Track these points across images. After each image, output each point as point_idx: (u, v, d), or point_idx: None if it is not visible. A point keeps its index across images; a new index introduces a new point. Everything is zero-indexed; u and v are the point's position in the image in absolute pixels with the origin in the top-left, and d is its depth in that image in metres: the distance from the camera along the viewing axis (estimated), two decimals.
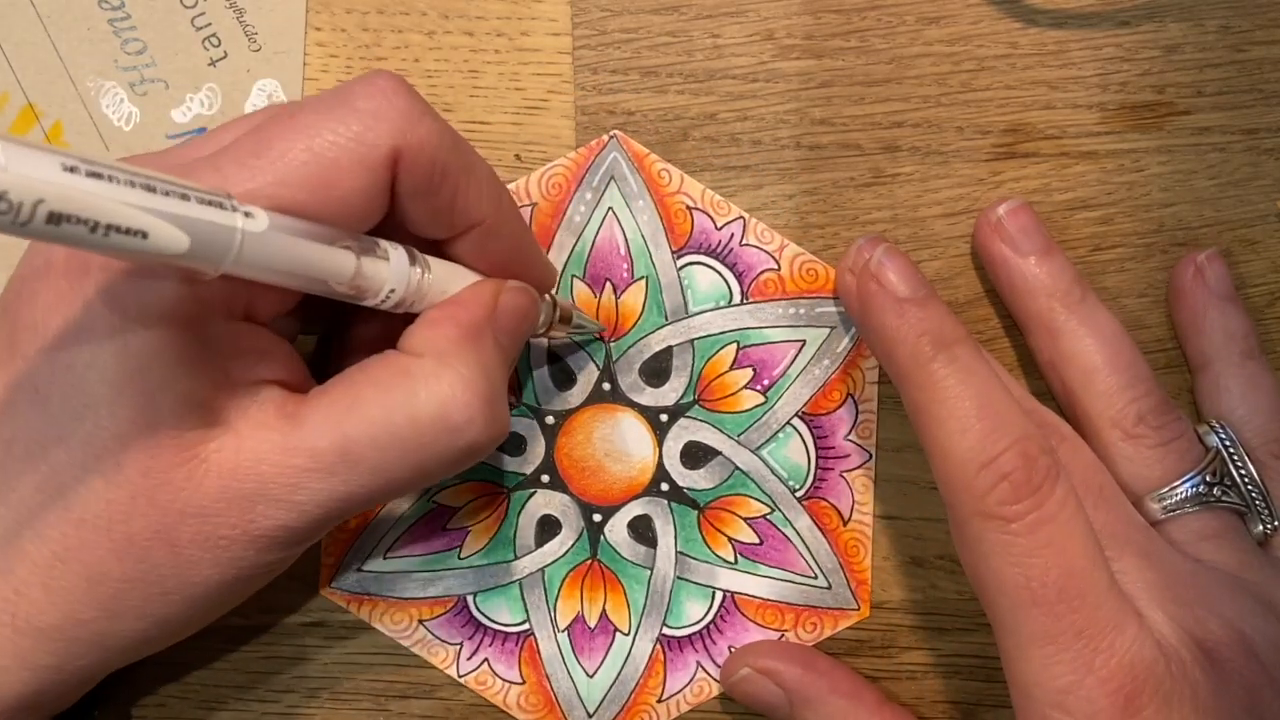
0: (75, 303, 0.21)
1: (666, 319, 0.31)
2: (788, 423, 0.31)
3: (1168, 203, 0.31)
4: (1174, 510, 0.28)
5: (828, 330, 0.31)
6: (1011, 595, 0.24)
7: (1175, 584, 0.26)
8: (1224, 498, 0.28)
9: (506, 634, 0.31)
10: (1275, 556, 0.29)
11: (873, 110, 0.31)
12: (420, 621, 0.31)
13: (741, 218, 0.31)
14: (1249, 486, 0.28)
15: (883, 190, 0.31)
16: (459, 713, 0.31)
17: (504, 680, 0.31)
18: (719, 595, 0.31)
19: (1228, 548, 0.28)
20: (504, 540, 0.31)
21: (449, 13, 0.31)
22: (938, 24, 0.31)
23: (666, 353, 0.31)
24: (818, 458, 0.31)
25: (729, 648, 0.31)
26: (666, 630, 0.31)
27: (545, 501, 0.31)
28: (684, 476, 0.31)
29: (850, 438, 0.31)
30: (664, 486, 0.31)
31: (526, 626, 0.31)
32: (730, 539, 0.31)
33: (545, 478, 0.31)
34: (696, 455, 0.31)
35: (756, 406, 0.31)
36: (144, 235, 0.17)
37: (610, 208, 0.31)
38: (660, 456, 0.31)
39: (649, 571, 0.31)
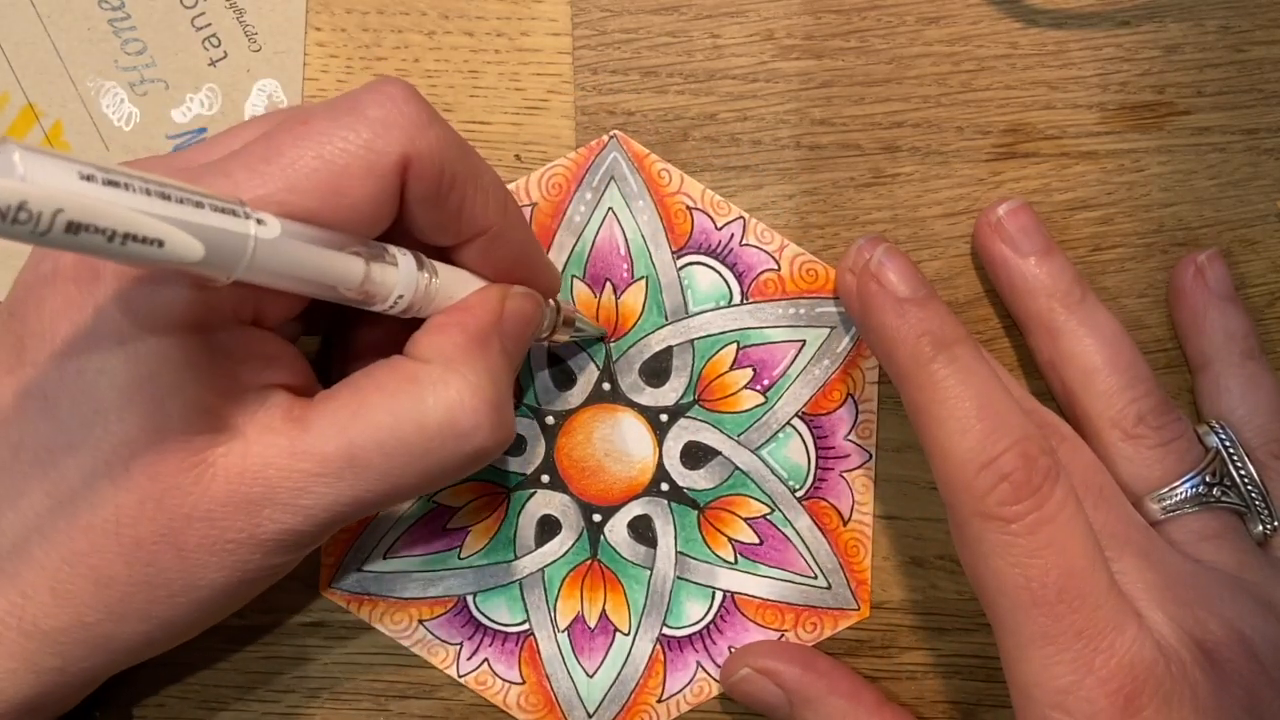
0: (85, 309, 0.21)
1: (666, 319, 0.31)
2: (788, 423, 0.31)
3: (1168, 203, 0.31)
4: (1174, 510, 0.28)
5: (828, 330, 0.31)
6: (1011, 596, 0.24)
7: (1175, 584, 0.26)
8: (1224, 498, 0.28)
9: (506, 634, 0.31)
10: (1275, 557, 0.29)
11: (873, 110, 0.31)
12: (420, 622, 0.31)
13: (741, 218, 0.31)
14: (1249, 487, 0.29)
15: (883, 190, 0.31)
16: (459, 713, 0.31)
17: (504, 680, 0.31)
18: (719, 595, 0.31)
19: (1227, 548, 0.28)
20: (504, 540, 0.31)
21: (449, 13, 0.31)
22: (938, 24, 0.31)
23: (666, 353, 0.31)
24: (818, 458, 0.31)
25: (729, 648, 0.31)
26: (666, 630, 0.31)
27: (545, 501, 0.31)
28: (684, 476, 0.31)
29: (850, 438, 0.31)
30: (664, 486, 0.31)
31: (526, 626, 0.31)
32: (730, 539, 0.31)
33: (545, 478, 0.31)
34: (696, 455, 0.31)
35: (756, 406, 0.31)
36: (160, 244, 0.17)
37: (610, 208, 0.31)
38: (660, 456, 0.31)
39: (649, 571, 0.31)
